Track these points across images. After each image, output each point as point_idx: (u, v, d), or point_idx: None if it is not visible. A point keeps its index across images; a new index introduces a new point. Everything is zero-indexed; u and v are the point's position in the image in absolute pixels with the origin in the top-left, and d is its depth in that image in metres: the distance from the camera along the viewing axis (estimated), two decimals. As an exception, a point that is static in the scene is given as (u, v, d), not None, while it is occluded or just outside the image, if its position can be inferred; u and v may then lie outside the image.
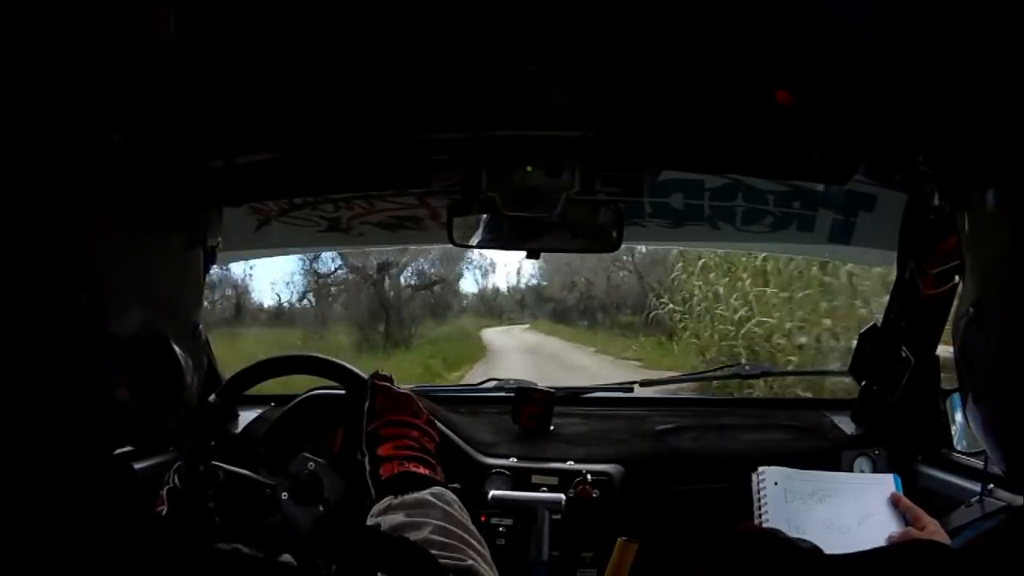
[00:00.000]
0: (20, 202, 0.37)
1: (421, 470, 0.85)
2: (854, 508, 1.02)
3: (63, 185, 0.38)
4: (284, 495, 1.03)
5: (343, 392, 1.16)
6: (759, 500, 1.07)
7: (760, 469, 1.09)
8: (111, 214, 0.41)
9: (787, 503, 1.05)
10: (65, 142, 0.38)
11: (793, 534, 0.91)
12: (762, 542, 0.53)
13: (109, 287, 0.40)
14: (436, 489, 0.81)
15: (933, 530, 0.94)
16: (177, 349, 0.44)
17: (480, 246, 1.27)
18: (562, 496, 1.17)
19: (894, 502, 1.01)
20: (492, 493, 1.20)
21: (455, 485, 1.17)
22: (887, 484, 1.04)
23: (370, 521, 0.80)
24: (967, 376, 0.47)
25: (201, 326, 0.49)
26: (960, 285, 0.48)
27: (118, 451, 0.48)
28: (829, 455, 1.27)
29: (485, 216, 1.21)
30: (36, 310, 0.37)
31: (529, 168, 1.05)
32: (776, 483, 1.07)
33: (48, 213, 0.38)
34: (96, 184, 0.40)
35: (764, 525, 1.01)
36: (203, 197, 0.50)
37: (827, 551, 0.50)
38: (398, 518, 0.77)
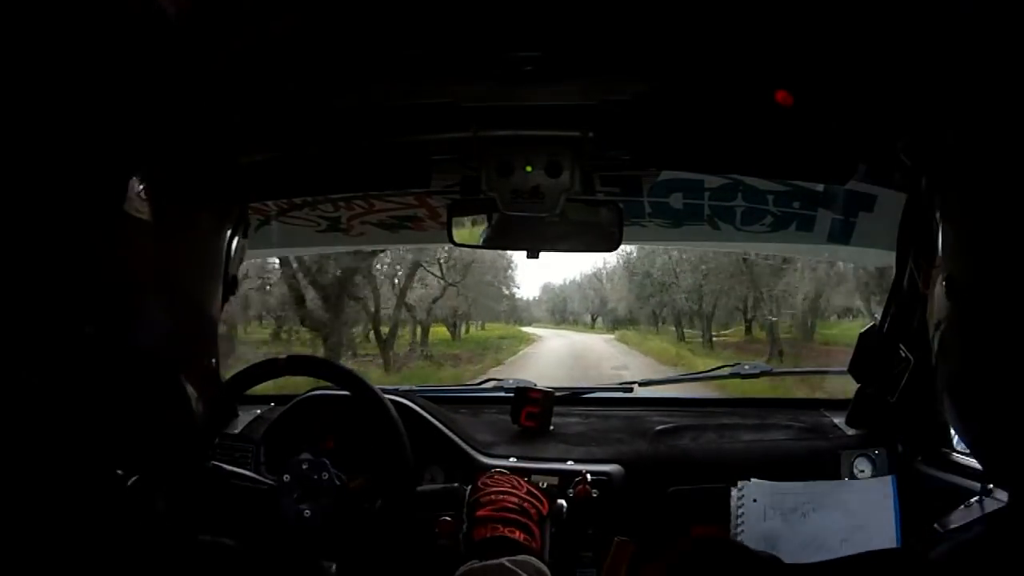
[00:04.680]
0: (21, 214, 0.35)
1: (516, 535, 0.85)
2: (843, 520, 0.98)
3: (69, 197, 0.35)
4: (283, 494, 1.03)
5: (342, 393, 1.16)
6: (736, 517, 1.03)
7: (740, 484, 1.05)
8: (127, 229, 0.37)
9: (765, 520, 1.01)
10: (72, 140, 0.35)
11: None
12: (716, 549, 0.52)
13: (119, 315, 0.37)
14: (523, 557, 0.79)
15: None
16: (187, 385, 0.41)
17: (480, 246, 1.27)
18: (563, 502, 1.16)
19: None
20: None
21: (455, 484, 1.17)
22: (884, 490, 1.00)
23: None
24: (941, 353, 0.46)
25: (215, 360, 0.45)
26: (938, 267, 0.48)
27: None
28: (829, 455, 1.27)
29: (485, 216, 1.21)
30: (41, 337, 0.35)
31: (529, 168, 1.05)
32: (755, 500, 1.02)
33: (54, 228, 0.35)
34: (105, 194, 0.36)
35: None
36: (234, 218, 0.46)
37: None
38: None
